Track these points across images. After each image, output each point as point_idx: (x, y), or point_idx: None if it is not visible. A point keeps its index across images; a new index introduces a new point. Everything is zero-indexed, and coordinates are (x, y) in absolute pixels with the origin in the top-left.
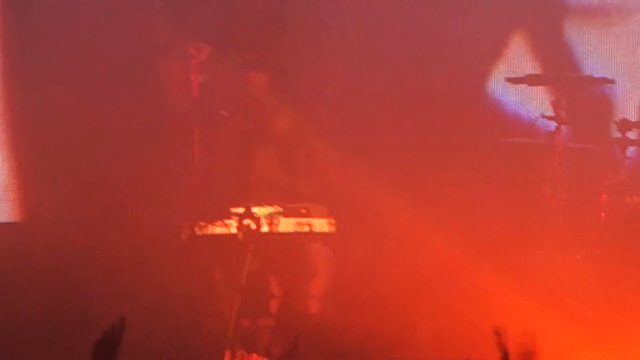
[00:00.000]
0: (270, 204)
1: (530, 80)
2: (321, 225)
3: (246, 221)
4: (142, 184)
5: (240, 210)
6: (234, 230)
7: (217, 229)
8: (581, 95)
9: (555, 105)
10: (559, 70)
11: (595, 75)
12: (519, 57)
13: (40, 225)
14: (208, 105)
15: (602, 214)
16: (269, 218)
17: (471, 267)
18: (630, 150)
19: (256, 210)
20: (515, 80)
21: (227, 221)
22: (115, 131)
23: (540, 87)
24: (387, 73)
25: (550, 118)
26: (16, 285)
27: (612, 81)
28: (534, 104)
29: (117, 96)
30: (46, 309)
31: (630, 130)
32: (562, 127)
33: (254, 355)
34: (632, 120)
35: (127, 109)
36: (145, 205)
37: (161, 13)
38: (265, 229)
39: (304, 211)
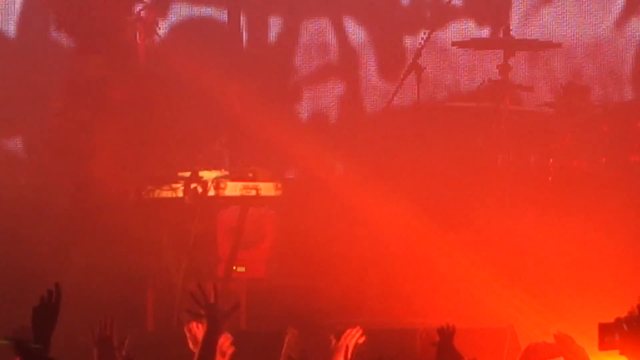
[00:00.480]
0: (218, 168)
1: (476, 44)
2: (268, 189)
3: (193, 185)
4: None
5: (187, 174)
6: (180, 194)
7: (164, 193)
8: (528, 58)
9: (501, 69)
10: (506, 34)
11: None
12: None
13: None
14: None
15: (550, 178)
16: (216, 182)
17: (420, 230)
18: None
19: (203, 174)
20: (461, 44)
21: (174, 185)
22: None
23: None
24: None
25: (497, 82)
26: None
27: (559, 45)
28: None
29: None
30: None
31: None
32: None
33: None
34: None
35: None
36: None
37: None
38: (212, 192)
39: (250, 175)
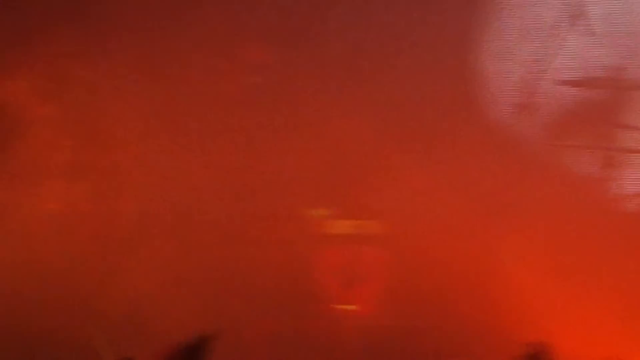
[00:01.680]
0: (328, 206)
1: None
2: (378, 226)
3: (304, 223)
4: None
5: (299, 211)
6: (291, 232)
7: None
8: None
9: None
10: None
11: None
12: None
13: None
14: None
15: None
16: (325, 219)
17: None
18: None
19: (313, 212)
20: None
21: (285, 222)
22: None
23: None
24: None
25: None
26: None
27: None
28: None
29: None
30: None
31: None
32: None
33: None
34: None
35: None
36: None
37: None
38: (322, 230)
39: (360, 212)
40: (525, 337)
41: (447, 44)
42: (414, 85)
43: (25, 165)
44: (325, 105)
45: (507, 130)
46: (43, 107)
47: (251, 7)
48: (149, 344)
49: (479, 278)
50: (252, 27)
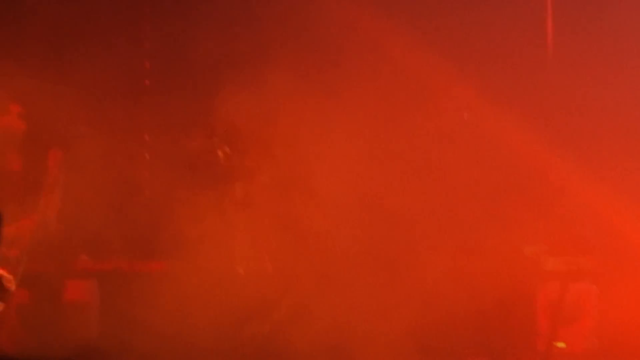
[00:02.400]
0: (539, 243)
1: None
2: (589, 263)
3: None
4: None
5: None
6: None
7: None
8: None
9: None
10: None
11: None
12: None
13: None
14: None
15: None
16: (537, 256)
17: None
18: None
19: (524, 249)
20: None
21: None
22: None
23: None
24: None
25: None
26: None
27: None
28: None
29: None
30: None
31: None
32: None
33: None
34: None
35: None
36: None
37: None
38: (533, 267)
39: (571, 249)
40: None
41: None
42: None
43: None
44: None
45: None
46: None
47: None
48: None
49: None
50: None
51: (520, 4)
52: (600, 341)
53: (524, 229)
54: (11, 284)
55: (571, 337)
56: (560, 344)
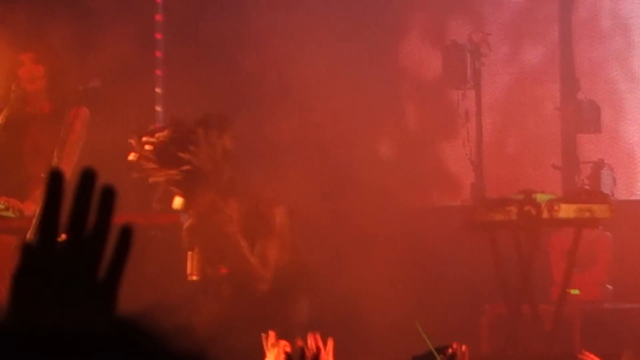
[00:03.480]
0: (551, 190)
1: None
2: (602, 210)
3: (526, 207)
4: None
5: (521, 196)
6: (514, 216)
7: (498, 216)
8: None
9: None
10: None
11: None
12: None
13: None
14: None
15: None
16: (549, 204)
17: None
18: None
19: (537, 196)
20: None
21: (507, 207)
22: None
23: None
24: None
25: None
26: None
27: None
28: None
29: None
30: None
31: None
32: None
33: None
34: None
35: None
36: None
37: None
38: (545, 215)
39: (584, 196)
40: None
41: None
42: None
43: None
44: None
45: None
46: None
47: None
48: None
49: None
50: None
51: None
52: (615, 288)
53: (535, 175)
54: None
55: (585, 284)
56: (575, 291)
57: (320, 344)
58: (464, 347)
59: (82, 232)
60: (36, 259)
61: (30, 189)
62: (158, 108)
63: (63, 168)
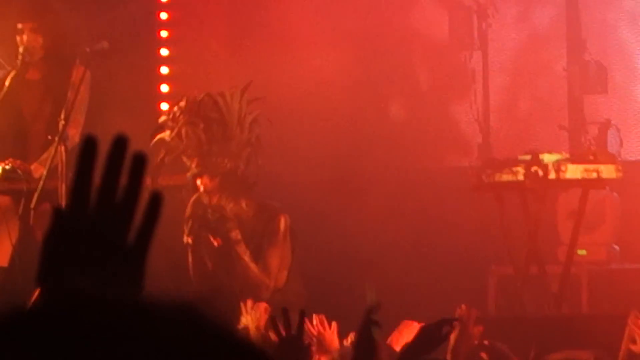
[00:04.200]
0: (558, 151)
1: None
2: (609, 171)
3: (534, 168)
4: None
5: (528, 157)
6: (521, 177)
7: (505, 177)
8: None
9: None
10: None
11: None
12: None
13: None
14: None
15: None
16: (556, 164)
17: None
18: None
19: (543, 157)
20: None
21: (514, 168)
22: None
23: None
24: None
25: None
26: None
27: None
28: None
29: None
30: None
31: None
32: None
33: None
34: None
35: None
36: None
37: None
38: (552, 175)
39: (591, 157)
40: None
41: None
42: None
43: None
44: None
45: None
46: None
47: None
48: None
49: None
50: None
51: None
52: (621, 248)
53: (542, 136)
54: None
55: (592, 245)
56: (582, 252)
57: (326, 324)
58: (473, 311)
59: (113, 198)
60: (68, 224)
61: (35, 152)
62: (164, 70)
63: (70, 130)
